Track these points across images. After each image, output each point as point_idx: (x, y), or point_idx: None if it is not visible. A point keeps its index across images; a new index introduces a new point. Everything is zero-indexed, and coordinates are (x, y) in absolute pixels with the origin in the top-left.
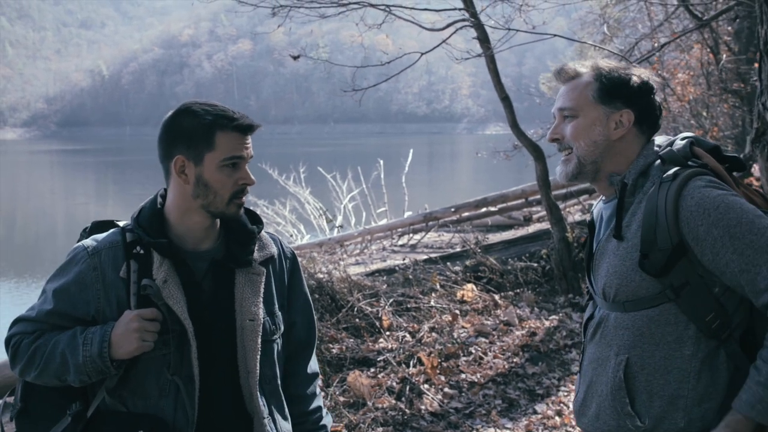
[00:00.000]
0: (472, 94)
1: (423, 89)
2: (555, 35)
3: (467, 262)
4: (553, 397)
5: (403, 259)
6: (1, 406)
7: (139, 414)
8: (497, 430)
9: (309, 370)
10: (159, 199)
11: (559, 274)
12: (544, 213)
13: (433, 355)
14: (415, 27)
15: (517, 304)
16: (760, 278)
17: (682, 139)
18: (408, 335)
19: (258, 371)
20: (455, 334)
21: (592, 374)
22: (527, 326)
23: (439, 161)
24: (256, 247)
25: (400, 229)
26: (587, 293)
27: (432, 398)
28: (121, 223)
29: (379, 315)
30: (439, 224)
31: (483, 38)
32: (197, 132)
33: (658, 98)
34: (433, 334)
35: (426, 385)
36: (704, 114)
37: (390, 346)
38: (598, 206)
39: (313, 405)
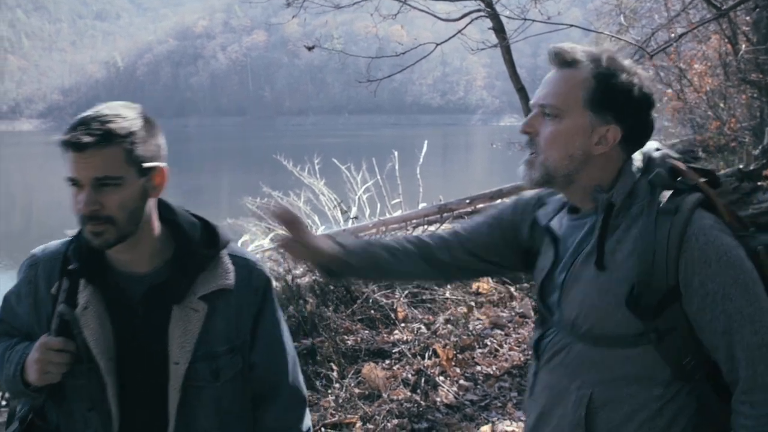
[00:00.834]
0: (486, 86)
1: (437, 80)
2: (571, 26)
3: None
4: None
5: None
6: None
7: None
8: (513, 422)
9: (274, 422)
10: None
11: None
12: None
13: (448, 347)
14: (429, 17)
15: (532, 296)
16: (739, 348)
17: (656, 150)
18: (423, 327)
19: (174, 421)
20: (470, 326)
21: (545, 402)
22: None
23: (453, 153)
24: (206, 276)
25: (414, 221)
26: (537, 312)
27: (447, 390)
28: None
29: (394, 306)
30: (454, 216)
31: (498, 28)
32: None
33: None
34: (449, 325)
35: (441, 377)
36: (721, 105)
37: (405, 338)
38: (560, 216)
39: None
